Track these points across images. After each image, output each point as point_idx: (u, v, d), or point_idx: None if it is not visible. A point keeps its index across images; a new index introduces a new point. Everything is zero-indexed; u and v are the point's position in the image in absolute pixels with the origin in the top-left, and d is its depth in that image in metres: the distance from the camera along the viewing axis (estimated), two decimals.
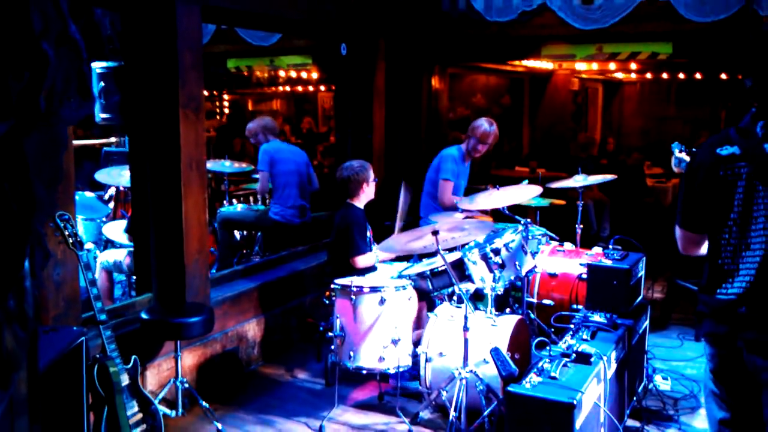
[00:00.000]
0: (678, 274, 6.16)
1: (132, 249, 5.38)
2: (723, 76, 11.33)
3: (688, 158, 3.28)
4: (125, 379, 3.80)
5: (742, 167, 2.58)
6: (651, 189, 9.87)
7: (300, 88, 14.22)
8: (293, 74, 12.63)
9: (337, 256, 5.10)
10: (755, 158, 2.55)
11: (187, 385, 4.44)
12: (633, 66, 10.90)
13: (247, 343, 5.47)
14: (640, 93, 14.97)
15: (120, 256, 5.68)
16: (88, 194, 6.63)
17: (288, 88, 14.26)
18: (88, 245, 5.82)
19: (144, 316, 4.31)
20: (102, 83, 4.80)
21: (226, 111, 14.90)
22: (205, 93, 5.64)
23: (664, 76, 12.50)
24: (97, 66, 4.82)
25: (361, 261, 5.00)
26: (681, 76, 12.26)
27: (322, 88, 13.90)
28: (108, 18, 5.56)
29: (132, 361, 3.89)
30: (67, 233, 3.67)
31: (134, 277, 5.45)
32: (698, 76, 11.99)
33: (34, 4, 0.90)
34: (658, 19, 6.75)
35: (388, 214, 7.12)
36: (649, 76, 12.81)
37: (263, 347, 5.63)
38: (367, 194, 5.17)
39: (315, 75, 12.68)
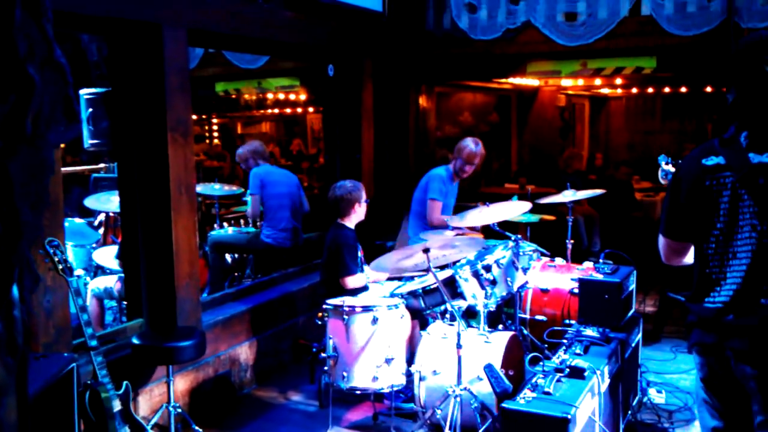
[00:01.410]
0: (669, 287, 6.16)
1: (122, 275, 5.35)
2: (708, 89, 11.43)
3: (675, 170, 3.30)
4: (117, 405, 3.77)
5: (727, 177, 2.59)
6: (640, 203, 9.91)
7: (288, 111, 14.26)
8: (281, 96, 12.67)
9: (329, 277, 5.09)
10: (740, 168, 2.57)
11: (179, 410, 4.40)
12: (618, 81, 10.97)
13: (239, 366, 5.44)
14: (626, 108, 15.07)
15: (111, 282, 5.65)
16: (78, 220, 6.60)
17: (277, 111, 14.30)
18: (78, 272, 5.79)
19: (135, 341, 4.29)
20: (90, 109, 4.79)
21: (216, 134, 14.91)
22: (194, 117, 5.64)
23: (650, 90, 12.59)
24: (86, 92, 4.82)
25: (351, 282, 4.99)
26: (666, 90, 12.35)
27: (311, 109, 13.95)
28: (95, 44, 5.57)
29: (124, 386, 3.86)
30: (56, 260, 3.66)
31: (125, 303, 5.42)
32: (683, 89, 12.09)
33: (18, 28, 0.91)
34: (642, 34, 6.81)
35: (379, 233, 7.12)
36: (634, 90, 12.90)
37: (256, 370, 5.60)
38: (358, 215, 5.17)
39: (303, 97, 12.72)
